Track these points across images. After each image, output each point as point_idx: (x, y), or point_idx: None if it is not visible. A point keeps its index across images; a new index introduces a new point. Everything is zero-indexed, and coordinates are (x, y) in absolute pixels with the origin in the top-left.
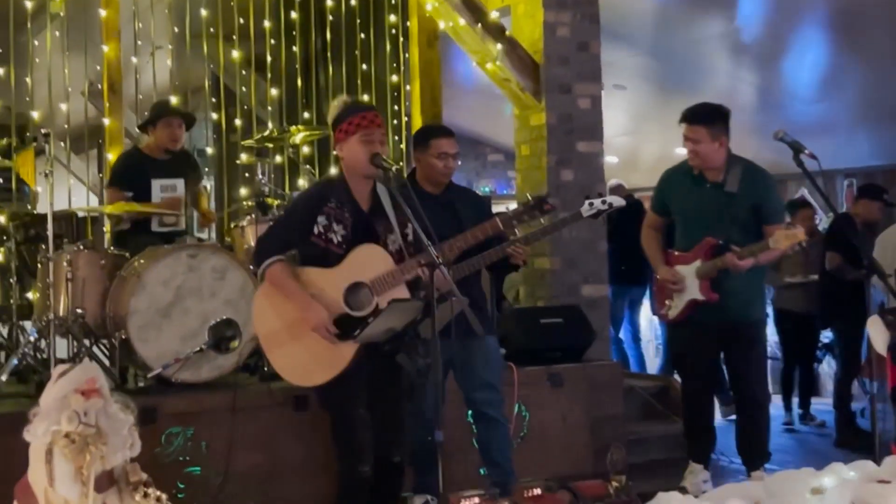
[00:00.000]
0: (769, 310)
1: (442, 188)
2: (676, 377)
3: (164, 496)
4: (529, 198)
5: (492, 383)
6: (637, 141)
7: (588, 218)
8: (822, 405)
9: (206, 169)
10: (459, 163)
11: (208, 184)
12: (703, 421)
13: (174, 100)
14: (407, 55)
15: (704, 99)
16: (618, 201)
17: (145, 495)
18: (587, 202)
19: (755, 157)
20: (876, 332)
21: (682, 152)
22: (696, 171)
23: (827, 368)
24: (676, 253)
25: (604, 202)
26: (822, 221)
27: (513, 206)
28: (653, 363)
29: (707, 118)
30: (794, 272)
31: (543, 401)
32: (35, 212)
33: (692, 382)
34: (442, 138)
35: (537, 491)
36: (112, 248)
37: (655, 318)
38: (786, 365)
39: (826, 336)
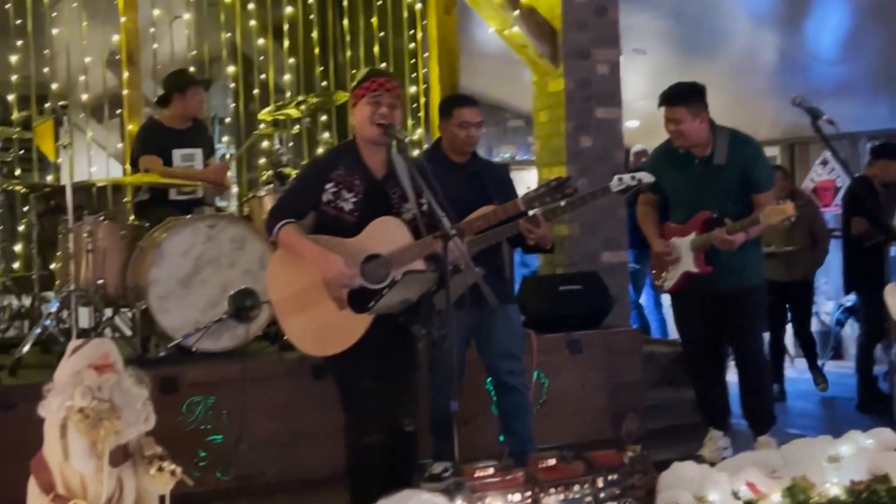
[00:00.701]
0: None
1: (467, 157)
2: None
3: (178, 469)
4: (551, 179)
5: (513, 352)
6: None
7: (616, 193)
8: (846, 368)
9: (225, 139)
10: (483, 131)
11: (227, 152)
12: (712, 387)
13: (192, 69)
14: (424, 23)
15: (726, 61)
16: (647, 177)
17: (160, 469)
18: (616, 177)
19: (776, 120)
20: (893, 300)
21: None
22: (681, 149)
23: (850, 332)
24: (672, 225)
25: (633, 178)
26: (844, 187)
27: (533, 172)
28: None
29: (685, 97)
30: (774, 243)
31: (562, 367)
32: (55, 183)
33: (693, 349)
34: (464, 107)
35: (552, 461)
36: (132, 218)
37: None
38: (772, 335)
39: (849, 299)
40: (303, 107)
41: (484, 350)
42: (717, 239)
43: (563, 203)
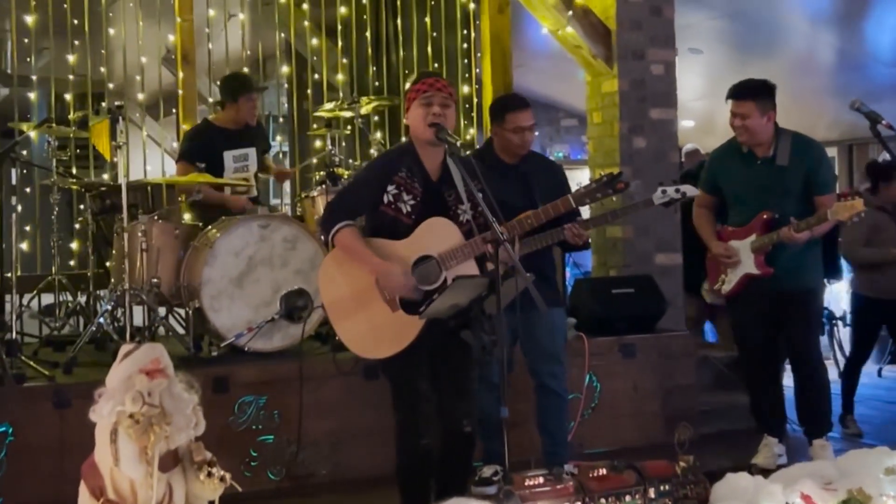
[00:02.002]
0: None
1: (519, 158)
2: None
3: (227, 475)
4: (602, 175)
5: (556, 355)
6: (713, 105)
7: (659, 206)
8: None
9: (279, 137)
10: (536, 133)
11: (281, 150)
12: (768, 392)
13: (246, 69)
14: (478, 22)
15: (783, 60)
16: (691, 191)
17: (209, 475)
18: (660, 189)
19: (835, 120)
20: None
21: None
22: (744, 148)
23: None
24: (730, 228)
25: (677, 191)
26: None
27: (587, 172)
28: None
29: (755, 93)
30: None
31: (615, 371)
32: (111, 182)
33: (751, 353)
34: (517, 112)
35: (603, 470)
36: (186, 217)
37: None
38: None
39: None
40: (362, 109)
41: (527, 351)
42: (785, 236)
43: (613, 198)
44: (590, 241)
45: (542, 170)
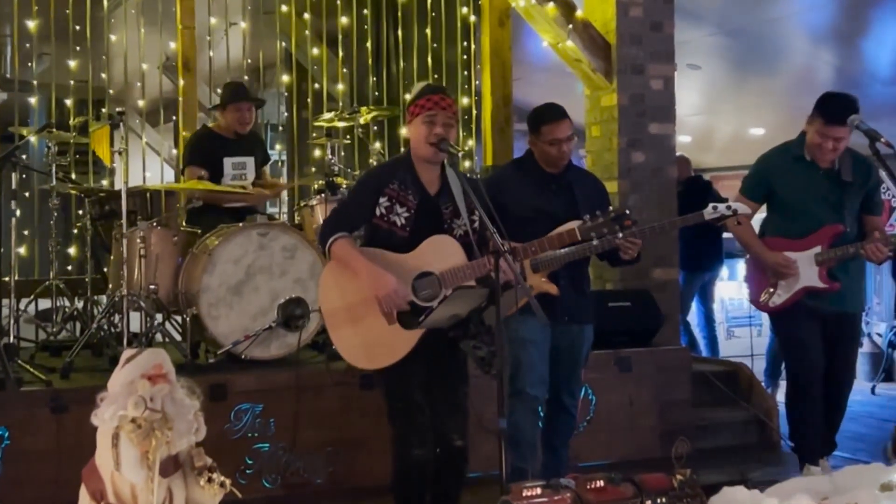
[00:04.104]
0: None
1: (561, 169)
2: (745, 362)
3: (227, 481)
4: (612, 210)
5: (578, 374)
6: (711, 121)
7: (710, 221)
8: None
9: (277, 146)
10: (574, 143)
11: (280, 160)
12: (819, 416)
13: (246, 78)
14: (478, 35)
15: (782, 78)
16: (742, 209)
17: (209, 480)
18: (711, 205)
19: None
20: None
21: (757, 133)
22: (807, 156)
23: None
24: (783, 240)
25: (728, 207)
26: None
27: None
28: (723, 347)
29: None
30: None
31: (611, 385)
32: (110, 188)
33: (813, 373)
34: (553, 124)
35: (600, 483)
36: (184, 224)
37: (725, 300)
38: None
39: None
40: (362, 119)
41: (551, 365)
42: (872, 252)
43: (620, 234)
44: (640, 255)
45: (586, 183)
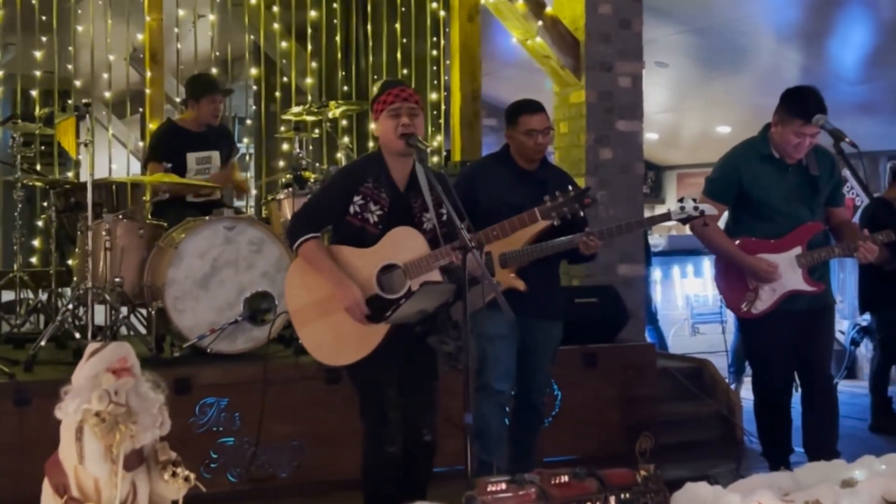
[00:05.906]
0: None
1: (536, 164)
2: (711, 359)
3: (192, 475)
4: (570, 190)
5: (546, 371)
6: (678, 118)
7: (677, 220)
8: (860, 388)
9: (245, 140)
10: (551, 137)
11: (247, 153)
12: (787, 421)
13: (214, 70)
14: (447, 30)
15: (747, 77)
16: (709, 209)
17: (174, 474)
18: (679, 204)
19: None
20: None
21: (723, 131)
22: (776, 153)
23: (864, 351)
24: (758, 241)
25: (696, 208)
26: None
27: None
28: (687, 343)
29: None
30: None
31: (576, 380)
32: (76, 180)
33: (784, 377)
34: (530, 115)
35: (565, 478)
36: (150, 217)
37: (690, 297)
38: None
39: (865, 319)
40: (330, 113)
41: (519, 361)
42: (868, 250)
43: (581, 212)
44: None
45: (559, 180)
